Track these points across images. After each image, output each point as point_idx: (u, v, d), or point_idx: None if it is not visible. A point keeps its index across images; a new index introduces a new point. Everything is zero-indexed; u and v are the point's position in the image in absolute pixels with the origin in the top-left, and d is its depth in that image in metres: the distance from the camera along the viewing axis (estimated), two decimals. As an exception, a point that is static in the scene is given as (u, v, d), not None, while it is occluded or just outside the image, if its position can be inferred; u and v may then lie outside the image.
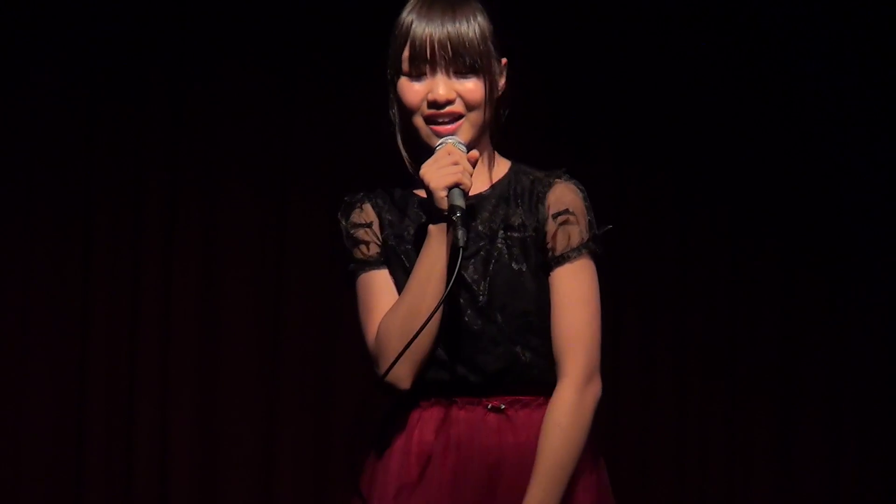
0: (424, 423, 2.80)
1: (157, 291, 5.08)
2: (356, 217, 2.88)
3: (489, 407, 2.79)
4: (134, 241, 5.07)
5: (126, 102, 5.06)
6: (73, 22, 5.03)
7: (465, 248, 2.67)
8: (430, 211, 2.75)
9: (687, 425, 5.34)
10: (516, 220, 2.83)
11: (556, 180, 2.87)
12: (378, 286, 2.83)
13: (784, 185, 5.38)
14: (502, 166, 2.90)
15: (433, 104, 2.78)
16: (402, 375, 2.75)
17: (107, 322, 5.05)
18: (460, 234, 2.67)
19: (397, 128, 2.86)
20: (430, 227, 2.74)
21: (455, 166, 2.72)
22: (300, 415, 5.13)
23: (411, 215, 2.87)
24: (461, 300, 2.79)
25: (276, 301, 5.14)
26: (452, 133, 2.78)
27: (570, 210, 2.84)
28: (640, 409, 5.31)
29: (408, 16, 2.80)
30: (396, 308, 2.75)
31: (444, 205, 2.71)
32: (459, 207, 2.69)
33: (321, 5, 5.15)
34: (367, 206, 2.89)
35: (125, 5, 5.04)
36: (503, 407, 2.79)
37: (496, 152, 2.90)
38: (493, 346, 2.78)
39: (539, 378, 2.80)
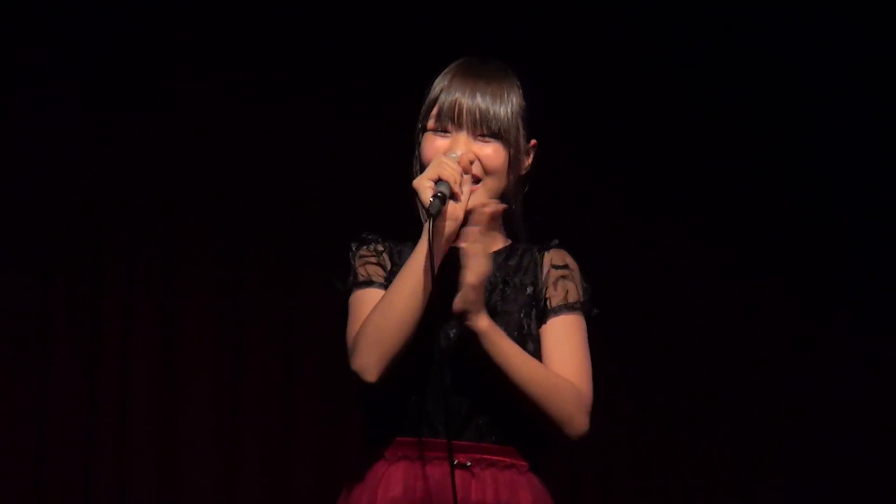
0: (392, 478, 2.79)
1: (115, 352, 5.06)
2: (365, 249, 2.89)
3: (455, 463, 2.78)
4: (92, 302, 5.06)
5: (83, 159, 5.06)
6: (33, 75, 5.04)
7: (435, 216, 2.71)
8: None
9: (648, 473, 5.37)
10: (516, 279, 2.87)
11: (552, 248, 2.94)
12: (370, 299, 2.82)
13: (746, 234, 5.43)
14: (502, 241, 2.94)
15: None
16: (369, 365, 2.74)
17: (63, 382, 5.03)
18: (428, 206, 2.71)
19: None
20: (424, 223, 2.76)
21: (439, 166, 2.76)
22: (259, 475, 5.12)
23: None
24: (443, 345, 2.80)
25: (234, 363, 5.14)
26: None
27: (569, 267, 2.91)
28: (599, 457, 5.33)
29: (444, 77, 2.87)
30: (379, 302, 2.77)
31: (426, 196, 2.74)
32: (439, 192, 2.73)
33: (282, 63, 5.17)
34: (381, 247, 2.90)
35: (81, 62, 5.06)
36: (469, 464, 2.80)
37: (502, 229, 2.94)
38: (470, 397, 2.80)
39: (512, 435, 2.83)
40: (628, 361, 5.36)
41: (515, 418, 2.81)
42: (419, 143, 2.88)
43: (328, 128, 5.19)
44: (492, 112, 2.83)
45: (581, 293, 2.90)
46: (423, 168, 2.83)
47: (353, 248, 2.90)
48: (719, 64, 5.40)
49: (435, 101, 2.84)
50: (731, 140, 5.43)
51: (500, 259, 2.89)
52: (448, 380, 2.79)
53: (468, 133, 2.82)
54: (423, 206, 2.76)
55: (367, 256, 2.87)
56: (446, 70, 2.88)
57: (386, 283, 2.82)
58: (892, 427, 5.41)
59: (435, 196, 2.73)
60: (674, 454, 5.37)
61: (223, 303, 5.14)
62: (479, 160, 2.82)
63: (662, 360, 5.38)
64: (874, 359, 5.44)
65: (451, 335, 2.80)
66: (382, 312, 2.74)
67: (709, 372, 5.40)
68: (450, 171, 2.76)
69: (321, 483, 5.07)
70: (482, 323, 2.74)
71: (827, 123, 5.45)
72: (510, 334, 2.80)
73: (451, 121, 2.82)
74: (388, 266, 2.87)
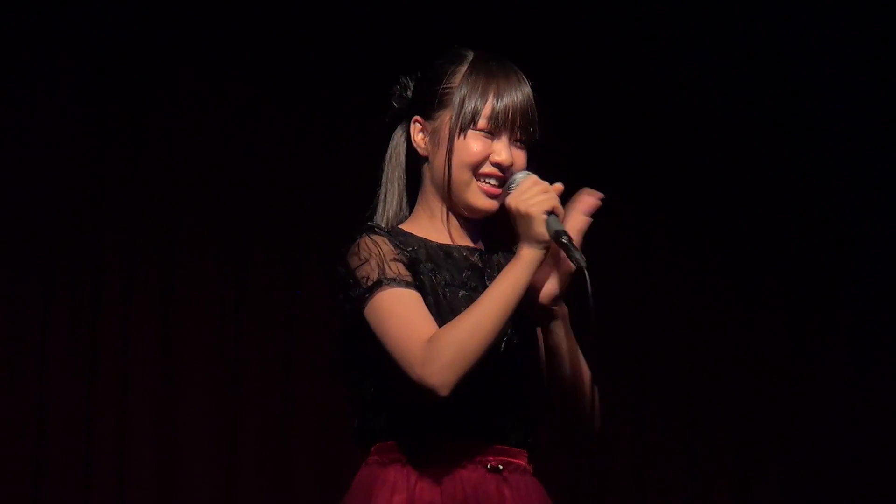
0: (426, 483, 2.77)
1: (115, 354, 5.07)
2: (380, 240, 2.81)
3: (489, 467, 2.79)
4: (92, 303, 5.07)
5: (83, 160, 5.07)
6: (33, 75, 5.05)
7: (587, 268, 2.71)
8: (508, 238, 2.79)
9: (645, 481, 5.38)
10: None
11: None
12: (413, 301, 2.76)
13: (746, 234, 5.44)
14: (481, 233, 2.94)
15: (498, 165, 2.82)
16: (448, 383, 2.69)
17: (63, 387, 5.03)
18: (578, 255, 2.71)
19: (429, 165, 2.86)
20: (524, 250, 2.73)
21: (546, 194, 2.76)
22: (259, 475, 5.12)
23: (440, 262, 2.84)
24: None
25: (234, 362, 5.14)
26: (497, 196, 2.82)
27: None
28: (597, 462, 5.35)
29: (478, 73, 2.84)
30: (463, 319, 2.71)
31: (543, 228, 2.73)
32: (564, 232, 2.73)
33: (282, 62, 5.18)
34: (391, 243, 2.82)
35: (81, 61, 5.07)
36: (501, 468, 2.79)
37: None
38: (502, 399, 2.80)
39: (526, 436, 2.84)
40: (628, 361, 5.36)
41: (531, 421, 2.83)
42: (451, 134, 2.83)
43: (329, 127, 5.19)
44: (535, 121, 2.85)
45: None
46: (450, 162, 2.81)
47: (367, 238, 2.81)
48: (718, 64, 5.41)
49: (485, 96, 2.82)
50: (732, 140, 5.44)
51: (501, 258, 2.89)
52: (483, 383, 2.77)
53: (510, 138, 2.83)
54: (564, 246, 2.72)
55: (393, 252, 2.79)
56: (471, 69, 2.85)
57: (415, 282, 2.78)
58: (892, 427, 5.42)
59: (564, 239, 2.72)
60: (674, 454, 5.38)
61: (223, 303, 5.14)
62: (514, 166, 2.83)
63: (662, 361, 5.39)
64: (874, 359, 5.45)
65: (502, 347, 2.79)
66: (470, 332, 2.69)
67: (708, 372, 5.41)
68: (559, 204, 2.76)
69: (321, 483, 5.07)
70: (565, 309, 2.79)
71: (827, 123, 5.46)
72: (531, 333, 2.82)
73: (504, 125, 2.82)
74: (406, 260, 2.81)
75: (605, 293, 5.24)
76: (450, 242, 2.86)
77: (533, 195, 2.75)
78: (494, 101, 2.82)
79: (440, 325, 2.72)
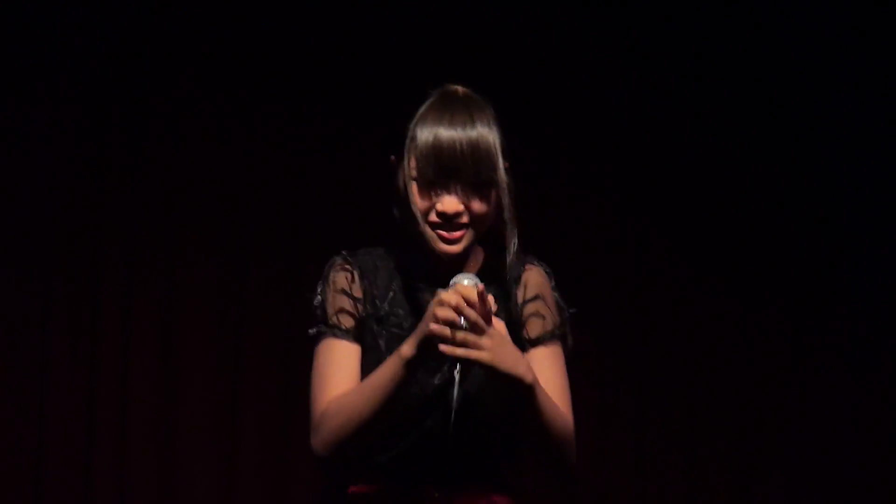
0: None
1: (115, 354, 5.07)
2: (344, 281, 2.89)
3: (436, 495, 2.84)
4: (92, 302, 5.07)
5: (83, 160, 5.07)
6: (34, 77, 5.06)
7: (456, 406, 2.70)
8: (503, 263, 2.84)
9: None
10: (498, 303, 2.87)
11: (527, 268, 2.95)
12: (340, 356, 2.86)
13: (746, 234, 5.44)
14: (479, 256, 2.95)
15: (442, 215, 2.83)
16: (328, 451, 2.80)
17: (63, 387, 5.04)
18: (455, 393, 2.69)
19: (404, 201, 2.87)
20: (405, 349, 2.74)
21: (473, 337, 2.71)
22: (259, 475, 5.13)
23: (407, 303, 2.88)
24: (427, 391, 2.82)
25: (234, 362, 5.15)
26: (458, 240, 2.83)
27: (544, 292, 2.93)
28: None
29: (426, 118, 2.84)
30: (351, 397, 2.78)
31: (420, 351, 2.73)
32: (460, 365, 2.71)
33: (282, 65, 5.18)
34: (357, 278, 2.90)
35: (81, 63, 5.07)
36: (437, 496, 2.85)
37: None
38: (456, 438, 2.80)
39: (491, 471, 2.88)
40: (628, 362, 5.37)
41: (495, 454, 2.87)
42: (405, 182, 2.84)
43: (328, 129, 5.20)
44: (484, 162, 2.81)
45: (554, 317, 2.92)
46: (409, 213, 2.83)
47: (330, 273, 2.89)
48: (718, 64, 5.42)
49: (423, 147, 2.81)
50: (732, 140, 5.44)
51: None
52: (430, 424, 2.83)
53: (455, 186, 2.81)
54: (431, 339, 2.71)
55: (343, 301, 2.87)
56: (426, 109, 2.85)
57: (356, 332, 2.85)
58: (892, 427, 5.43)
59: (456, 372, 2.70)
60: (674, 454, 5.38)
61: (223, 303, 5.14)
62: (468, 210, 2.83)
63: (662, 361, 5.39)
64: (874, 359, 5.45)
65: (436, 380, 2.82)
66: (349, 414, 2.76)
67: (709, 373, 5.41)
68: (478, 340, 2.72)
69: (321, 483, 5.07)
70: (531, 376, 2.75)
71: (826, 123, 5.46)
72: (480, 385, 2.82)
73: (439, 174, 2.81)
74: (358, 312, 2.87)
75: (605, 293, 5.31)
76: (421, 279, 2.88)
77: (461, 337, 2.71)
78: (432, 152, 2.80)
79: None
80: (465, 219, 2.83)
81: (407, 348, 2.73)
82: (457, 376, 2.69)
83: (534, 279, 2.94)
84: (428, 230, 2.84)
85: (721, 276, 5.43)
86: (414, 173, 2.83)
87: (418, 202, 2.83)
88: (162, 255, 5.12)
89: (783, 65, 5.45)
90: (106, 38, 5.08)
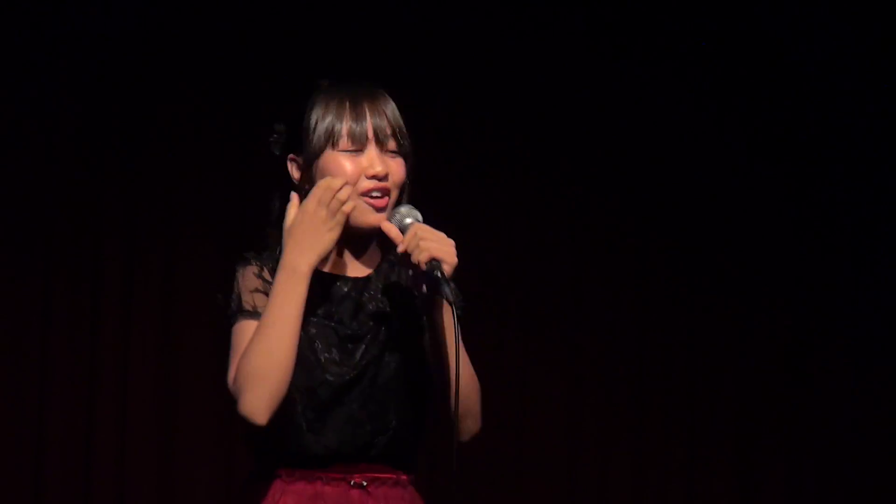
0: (290, 497, 2.87)
1: (115, 354, 5.08)
2: (253, 272, 2.91)
3: (352, 483, 2.88)
4: (92, 302, 5.07)
5: (83, 160, 5.07)
6: (33, 76, 5.05)
7: (457, 307, 2.77)
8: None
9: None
10: (401, 298, 2.94)
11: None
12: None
13: (746, 235, 5.44)
14: (377, 255, 3.00)
15: (374, 177, 2.88)
16: (260, 409, 2.78)
17: (63, 387, 5.04)
18: (451, 289, 2.78)
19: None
20: (301, 263, 2.80)
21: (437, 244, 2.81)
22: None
23: (314, 293, 2.88)
24: (345, 377, 2.87)
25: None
26: (384, 208, 2.89)
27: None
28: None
29: (330, 97, 2.92)
30: (252, 346, 2.81)
31: (424, 263, 2.79)
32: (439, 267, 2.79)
33: (281, 63, 5.17)
34: (267, 271, 2.92)
35: (81, 62, 5.07)
36: (365, 484, 2.88)
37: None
38: (372, 422, 2.87)
39: (402, 453, 2.92)
40: (628, 362, 5.37)
41: (407, 436, 2.91)
42: (311, 161, 2.91)
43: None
44: (401, 130, 2.91)
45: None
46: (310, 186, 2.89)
47: (239, 269, 2.92)
48: (717, 63, 5.42)
49: (339, 117, 2.89)
50: (732, 140, 5.44)
51: (383, 270, 2.97)
52: (350, 404, 2.87)
53: (378, 149, 2.89)
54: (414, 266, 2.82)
55: (255, 283, 2.90)
56: (324, 96, 2.93)
57: None
58: (892, 427, 5.43)
59: (437, 273, 2.79)
60: (674, 454, 5.38)
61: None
62: (391, 174, 2.89)
63: (662, 361, 5.39)
64: (874, 359, 5.45)
65: (366, 379, 2.87)
66: (267, 355, 2.78)
67: (708, 373, 5.41)
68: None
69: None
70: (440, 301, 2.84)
71: (827, 123, 5.46)
72: (395, 366, 2.89)
73: (365, 137, 2.88)
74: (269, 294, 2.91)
75: (605, 294, 5.31)
76: (328, 271, 2.92)
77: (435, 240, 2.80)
78: (351, 117, 2.89)
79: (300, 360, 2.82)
80: (387, 183, 2.88)
81: (302, 261, 2.80)
82: (438, 274, 2.76)
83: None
84: (361, 203, 2.87)
85: (721, 276, 5.43)
86: (342, 142, 2.88)
87: (346, 169, 2.87)
88: (162, 254, 5.12)
89: (784, 65, 5.45)
90: (106, 39, 5.08)
